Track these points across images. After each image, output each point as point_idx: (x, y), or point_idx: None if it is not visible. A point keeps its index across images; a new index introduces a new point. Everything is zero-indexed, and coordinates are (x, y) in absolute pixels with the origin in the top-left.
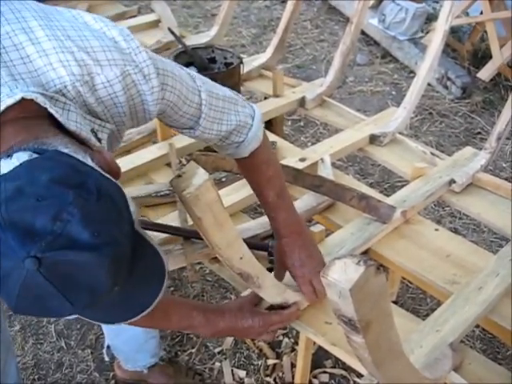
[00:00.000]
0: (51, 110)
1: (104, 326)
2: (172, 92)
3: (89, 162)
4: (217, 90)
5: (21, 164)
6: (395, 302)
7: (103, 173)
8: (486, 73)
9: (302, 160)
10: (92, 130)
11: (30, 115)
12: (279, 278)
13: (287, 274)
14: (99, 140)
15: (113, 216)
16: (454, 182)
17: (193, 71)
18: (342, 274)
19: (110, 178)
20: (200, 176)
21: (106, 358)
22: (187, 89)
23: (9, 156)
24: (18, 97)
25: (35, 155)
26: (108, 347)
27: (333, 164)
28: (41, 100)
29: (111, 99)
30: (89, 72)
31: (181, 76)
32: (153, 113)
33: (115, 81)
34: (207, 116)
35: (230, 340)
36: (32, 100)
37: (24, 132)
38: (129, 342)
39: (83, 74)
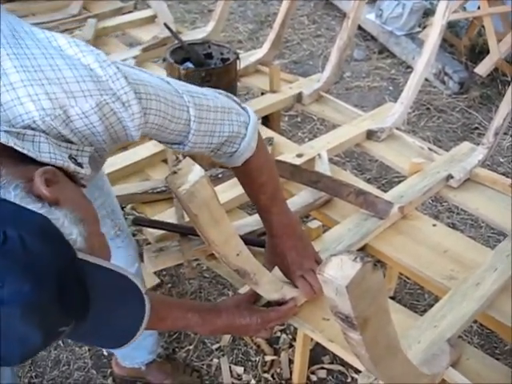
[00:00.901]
0: (17, 148)
1: None
2: (157, 115)
3: (12, 195)
4: (208, 102)
5: None
6: (393, 298)
7: (26, 206)
8: (483, 68)
9: (300, 156)
10: (70, 157)
11: None
12: None
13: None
14: (80, 165)
15: (24, 259)
16: (452, 177)
17: (180, 84)
18: (338, 271)
19: (33, 210)
20: (196, 173)
21: (105, 353)
22: (173, 107)
23: None
24: None
25: None
26: None
27: (330, 160)
28: (4, 140)
29: (88, 129)
30: (61, 105)
31: (165, 96)
32: (135, 137)
33: (91, 112)
34: (196, 131)
35: (227, 337)
36: None
37: None
38: None
39: (54, 108)
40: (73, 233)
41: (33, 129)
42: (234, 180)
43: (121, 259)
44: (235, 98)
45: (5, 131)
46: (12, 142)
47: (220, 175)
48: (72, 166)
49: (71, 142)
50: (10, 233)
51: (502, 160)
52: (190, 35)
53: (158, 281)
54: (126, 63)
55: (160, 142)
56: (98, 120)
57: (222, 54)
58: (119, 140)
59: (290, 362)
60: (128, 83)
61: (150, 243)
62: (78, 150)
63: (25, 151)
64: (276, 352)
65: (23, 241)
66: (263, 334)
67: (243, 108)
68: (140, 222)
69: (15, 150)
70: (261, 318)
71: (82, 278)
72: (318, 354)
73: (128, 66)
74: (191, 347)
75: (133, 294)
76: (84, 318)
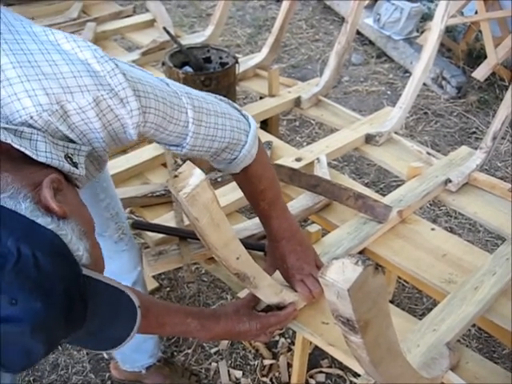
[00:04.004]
0: (15, 145)
1: None
2: (156, 114)
3: (22, 207)
4: (208, 105)
5: None
6: (391, 302)
7: (37, 220)
8: (480, 72)
9: (299, 160)
10: (66, 156)
11: None
12: None
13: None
14: (75, 164)
15: (37, 276)
16: (450, 181)
17: (180, 86)
18: (340, 274)
19: (43, 225)
20: (196, 176)
21: (106, 357)
22: (172, 108)
23: None
24: None
25: None
26: None
27: (328, 164)
28: (2, 137)
29: (85, 124)
30: (58, 100)
31: (164, 96)
32: (134, 135)
33: (88, 107)
34: (195, 133)
35: (226, 341)
36: None
37: None
38: None
39: (51, 103)
40: (79, 249)
41: (30, 125)
42: (233, 184)
43: (124, 262)
44: (236, 104)
45: (3, 128)
46: (10, 139)
47: (219, 179)
48: (67, 167)
49: (69, 141)
50: (23, 250)
51: (499, 164)
52: (189, 39)
53: (156, 284)
54: (125, 62)
55: (158, 142)
56: (95, 116)
57: (220, 58)
58: (118, 139)
59: (289, 365)
60: (126, 79)
61: (148, 247)
62: (75, 148)
63: (22, 149)
64: (274, 356)
65: (36, 260)
66: (263, 338)
67: (243, 115)
68: (139, 226)
69: (12, 150)
70: (260, 323)
71: (85, 293)
72: (316, 357)
73: (127, 64)
74: (190, 351)
75: (127, 307)
76: (80, 328)
